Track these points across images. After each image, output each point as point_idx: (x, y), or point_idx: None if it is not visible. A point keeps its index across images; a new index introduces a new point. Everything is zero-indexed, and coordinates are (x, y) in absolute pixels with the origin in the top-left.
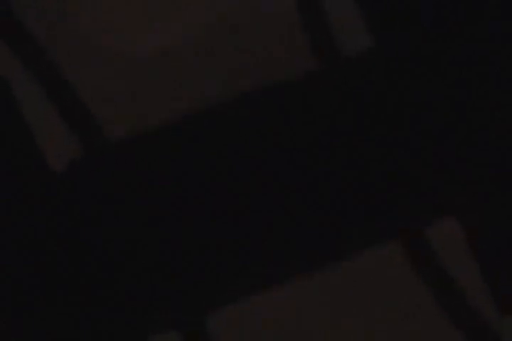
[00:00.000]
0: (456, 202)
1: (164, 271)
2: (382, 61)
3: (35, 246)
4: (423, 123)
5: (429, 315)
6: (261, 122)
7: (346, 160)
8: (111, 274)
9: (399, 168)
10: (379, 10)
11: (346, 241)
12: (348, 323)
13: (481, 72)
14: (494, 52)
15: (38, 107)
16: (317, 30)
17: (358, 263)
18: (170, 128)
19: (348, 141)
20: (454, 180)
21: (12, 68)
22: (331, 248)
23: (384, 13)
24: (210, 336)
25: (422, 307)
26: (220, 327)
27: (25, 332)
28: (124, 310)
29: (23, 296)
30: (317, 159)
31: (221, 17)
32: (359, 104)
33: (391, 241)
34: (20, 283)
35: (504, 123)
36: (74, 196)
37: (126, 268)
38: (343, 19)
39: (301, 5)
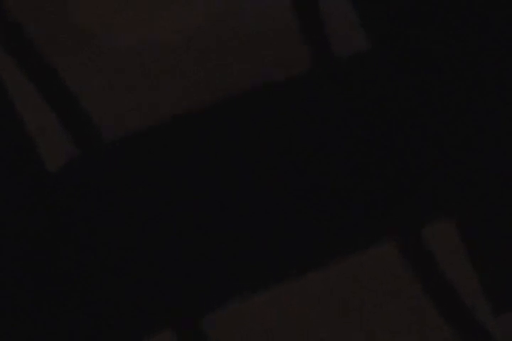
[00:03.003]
0: (453, 202)
1: (160, 270)
2: (378, 62)
3: (29, 246)
4: (420, 123)
5: (424, 314)
6: (258, 122)
7: (344, 161)
8: (106, 275)
9: (396, 168)
10: (375, 10)
11: (342, 242)
12: (344, 323)
13: (480, 73)
14: (494, 53)
15: (33, 107)
16: (313, 30)
17: (355, 264)
18: (166, 127)
19: (344, 141)
20: (450, 181)
21: (6, 67)
22: (328, 248)
23: (380, 13)
24: (206, 336)
25: (417, 307)
26: (216, 327)
27: (24, 332)
28: (119, 309)
29: (22, 297)
30: (315, 160)
31: (218, 17)
32: (355, 105)
33: (387, 242)
34: (16, 284)
35: (503, 124)
36: (69, 196)
37: (122, 269)
38: (339, 19)
39: (297, 5)
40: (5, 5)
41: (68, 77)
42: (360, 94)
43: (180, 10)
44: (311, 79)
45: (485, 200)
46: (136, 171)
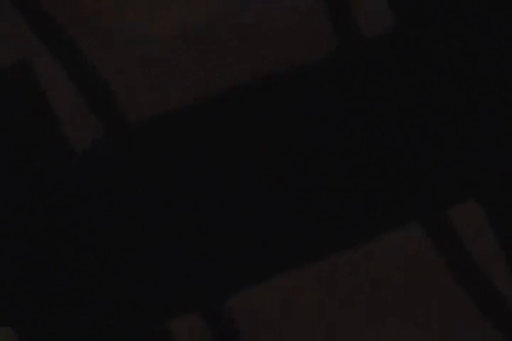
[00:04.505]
0: (479, 185)
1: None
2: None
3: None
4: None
5: (452, 300)
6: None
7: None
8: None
9: (421, 151)
10: None
11: (369, 225)
12: (369, 304)
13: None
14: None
15: (60, 88)
16: (338, 11)
17: (381, 247)
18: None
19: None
20: (476, 164)
21: (35, 50)
22: (353, 231)
23: None
24: (231, 319)
25: (444, 291)
26: (241, 310)
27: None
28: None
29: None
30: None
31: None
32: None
33: (414, 225)
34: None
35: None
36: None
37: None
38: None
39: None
40: None
41: (93, 60)
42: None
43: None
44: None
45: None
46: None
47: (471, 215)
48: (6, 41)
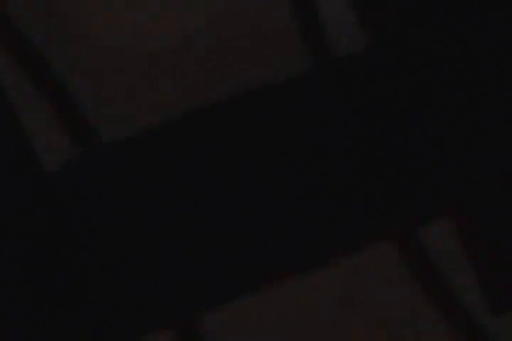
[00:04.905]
0: (450, 202)
1: (160, 270)
2: (377, 61)
3: (29, 246)
4: (418, 123)
5: (421, 313)
6: (258, 122)
7: (342, 161)
8: (104, 274)
9: (393, 168)
10: (373, 9)
11: (340, 242)
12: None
13: (480, 73)
14: (494, 52)
15: (32, 107)
16: (311, 30)
17: (352, 263)
18: (166, 127)
19: (344, 141)
20: (448, 181)
21: (4, 67)
22: (325, 248)
23: (378, 13)
24: (204, 336)
25: (414, 306)
26: (215, 326)
27: (24, 332)
28: (119, 309)
29: (22, 297)
30: (315, 159)
31: (218, 17)
32: (355, 105)
33: (384, 242)
34: (16, 284)
35: (504, 124)
36: (69, 196)
37: (122, 269)
38: (337, 19)
39: (295, 6)
40: (6, 7)
41: (68, 77)
42: (360, 94)
43: (181, 10)
44: (311, 79)
45: (484, 201)
46: (135, 171)
47: (441, 232)
48: None
